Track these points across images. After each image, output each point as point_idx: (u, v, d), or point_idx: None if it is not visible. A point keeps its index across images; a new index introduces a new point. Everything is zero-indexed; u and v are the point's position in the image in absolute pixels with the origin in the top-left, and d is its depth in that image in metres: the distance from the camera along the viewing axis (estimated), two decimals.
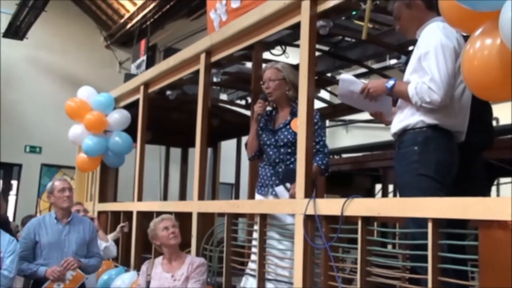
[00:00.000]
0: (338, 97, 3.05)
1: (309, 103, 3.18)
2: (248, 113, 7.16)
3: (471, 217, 2.26)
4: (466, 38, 2.25)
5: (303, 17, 3.27)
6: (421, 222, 2.55)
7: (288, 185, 3.47)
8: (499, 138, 4.33)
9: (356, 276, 2.77)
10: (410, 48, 4.90)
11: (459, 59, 2.70)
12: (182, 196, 8.15)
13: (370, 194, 7.32)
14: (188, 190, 8.75)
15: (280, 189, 3.57)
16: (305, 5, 3.25)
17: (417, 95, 2.69)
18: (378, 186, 7.77)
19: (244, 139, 7.91)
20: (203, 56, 4.38)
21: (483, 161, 3.20)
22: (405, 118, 2.82)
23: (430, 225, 2.40)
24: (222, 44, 4.22)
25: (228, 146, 8.25)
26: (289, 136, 3.63)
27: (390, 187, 6.98)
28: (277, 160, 3.67)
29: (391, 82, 2.83)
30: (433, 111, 2.71)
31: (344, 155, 8.83)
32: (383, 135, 11.81)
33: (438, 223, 2.40)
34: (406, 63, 3.50)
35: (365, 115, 11.15)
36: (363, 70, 5.99)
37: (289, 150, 3.63)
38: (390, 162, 6.60)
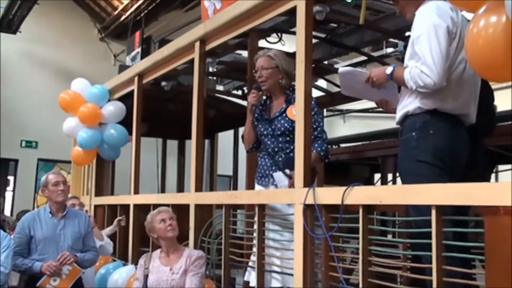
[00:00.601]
0: (341, 90, 2.98)
1: (307, 90, 3.10)
2: (245, 103, 7.09)
3: (476, 204, 2.19)
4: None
5: (299, 1, 3.17)
6: (423, 210, 2.49)
7: (287, 171, 3.39)
8: (498, 125, 4.27)
9: (358, 266, 2.70)
10: (408, 33, 4.84)
11: (455, 39, 2.63)
12: (180, 188, 8.08)
13: (369, 183, 7.26)
14: (185, 182, 8.68)
15: (278, 174, 3.49)
16: None
17: (411, 79, 2.62)
18: (377, 176, 7.72)
19: (242, 130, 7.86)
20: (197, 45, 4.28)
21: (484, 147, 3.13)
22: (405, 105, 2.77)
23: (433, 212, 2.33)
24: (216, 31, 4.12)
25: (225, 138, 8.17)
26: (286, 125, 3.55)
27: (389, 176, 6.92)
28: (276, 149, 3.60)
29: (390, 69, 2.77)
30: (430, 96, 2.64)
31: (342, 145, 8.77)
32: (380, 124, 11.80)
33: (442, 210, 2.33)
34: (405, 48, 3.43)
35: (362, 105, 11.19)
36: (361, 58, 5.91)
37: (287, 138, 3.55)
38: (389, 150, 6.58)
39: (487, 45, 1.92)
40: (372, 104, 11.37)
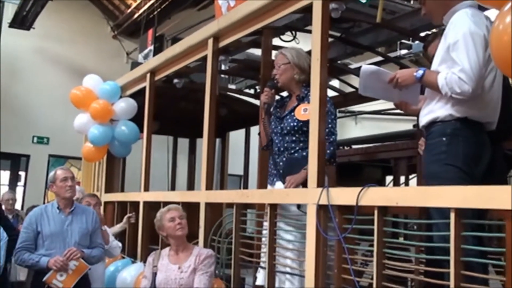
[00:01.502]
0: (360, 89, 2.90)
1: (322, 88, 3.04)
2: (257, 102, 7.03)
3: (497, 207, 2.11)
4: None
5: None
6: (447, 213, 2.42)
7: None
8: None
9: (370, 269, 2.63)
10: (424, 33, 4.76)
11: (488, 48, 2.58)
12: (190, 187, 8.03)
13: (381, 185, 7.15)
14: (196, 181, 8.64)
15: (279, 185, 3.46)
16: None
17: (447, 85, 2.58)
18: (389, 178, 7.64)
19: (253, 129, 7.83)
20: (210, 41, 4.22)
21: (503, 151, 3.06)
22: (433, 110, 2.73)
23: (452, 215, 2.26)
24: (230, 28, 4.06)
25: (236, 137, 8.12)
26: (292, 124, 3.49)
27: (402, 178, 6.84)
28: (281, 149, 3.54)
29: (420, 72, 2.72)
30: (462, 104, 2.61)
31: (354, 146, 8.69)
32: (392, 126, 11.71)
33: (461, 213, 2.25)
34: (425, 48, 3.36)
35: (374, 106, 11.07)
36: (375, 59, 5.83)
37: (294, 138, 3.48)
38: (402, 153, 6.52)
39: None
40: (384, 106, 11.34)
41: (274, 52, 4.22)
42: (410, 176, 6.74)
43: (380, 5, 3.55)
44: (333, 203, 2.83)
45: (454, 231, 2.25)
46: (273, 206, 3.36)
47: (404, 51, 9.72)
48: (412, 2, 5.74)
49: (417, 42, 5.73)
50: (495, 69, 2.66)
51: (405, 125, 10.88)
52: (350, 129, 14.37)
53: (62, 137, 11.01)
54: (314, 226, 2.93)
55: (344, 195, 2.80)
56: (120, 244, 5.04)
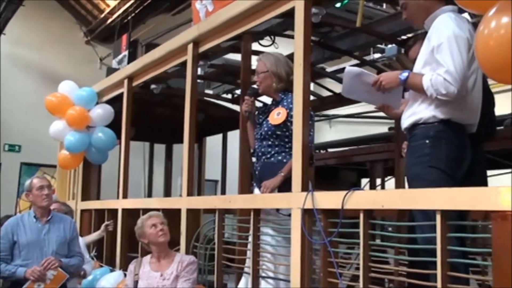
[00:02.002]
0: (343, 92, 2.91)
1: (305, 92, 3.05)
2: (234, 107, 7.01)
3: (483, 208, 2.14)
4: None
5: (297, 2, 3.12)
6: (431, 215, 2.44)
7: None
8: None
9: (356, 272, 2.64)
10: (401, 38, 4.82)
11: (470, 50, 2.63)
12: (167, 194, 7.97)
13: (356, 188, 7.19)
14: (173, 187, 8.58)
15: (257, 191, 3.49)
16: None
17: (432, 87, 2.61)
18: (364, 181, 7.70)
19: (230, 134, 7.81)
20: (190, 47, 4.20)
21: (483, 152, 3.11)
22: (416, 112, 2.75)
23: (438, 217, 2.28)
24: (210, 33, 4.05)
25: (211, 142, 8.08)
26: (266, 128, 3.52)
27: (378, 181, 6.91)
28: (259, 154, 3.57)
29: (404, 74, 2.74)
30: (445, 105, 2.64)
31: (330, 150, 8.75)
32: (366, 129, 11.80)
33: (447, 215, 2.28)
34: (405, 52, 3.40)
35: (348, 110, 11.10)
36: (351, 62, 5.87)
37: (269, 143, 3.51)
38: (377, 156, 6.58)
39: (498, 47, 1.88)
40: (358, 110, 11.43)
41: (253, 57, 4.23)
42: (386, 179, 6.82)
43: (360, 10, 3.60)
44: (318, 207, 2.83)
45: (440, 233, 2.27)
46: (257, 211, 3.35)
47: (377, 55, 9.83)
48: (384, 6, 5.82)
49: (389, 46, 5.78)
50: (476, 72, 2.71)
51: (380, 128, 10.99)
52: (324, 132, 14.43)
53: (34, 145, 10.80)
54: (299, 230, 2.93)
55: (329, 199, 2.81)
56: (92, 262, 4.94)
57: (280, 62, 3.59)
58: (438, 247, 2.27)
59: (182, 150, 10.23)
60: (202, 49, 4.21)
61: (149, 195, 8.06)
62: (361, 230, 2.62)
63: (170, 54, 4.56)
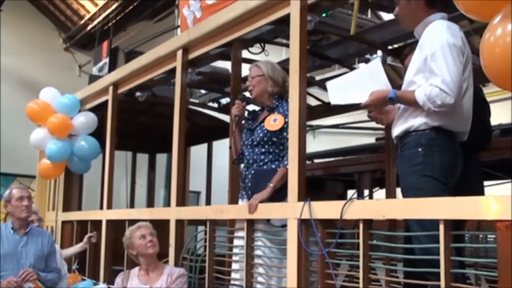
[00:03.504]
0: (331, 101, 2.94)
1: (301, 100, 3.05)
2: (221, 116, 6.99)
3: (487, 218, 2.14)
4: None
5: (293, 9, 3.12)
6: (428, 225, 2.45)
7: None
8: None
9: (357, 285, 2.63)
10: (394, 46, 4.86)
11: (463, 58, 2.65)
12: (150, 205, 7.90)
13: (342, 199, 7.21)
14: (156, 198, 8.50)
15: (245, 202, 3.45)
16: None
17: (428, 101, 2.60)
18: (350, 192, 7.71)
19: (216, 143, 7.78)
20: (179, 53, 4.19)
21: (478, 162, 3.13)
22: (407, 120, 2.75)
23: (442, 227, 2.28)
24: (200, 40, 4.05)
25: (194, 152, 8.03)
26: (261, 134, 3.47)
27: (365, 192, 6.92)
28: (250, 161, 3.52)
29: (391, 95, 2.74)
30: (436, 112, 2.64)
31: (315, 161, 8.75)
32: (350, 140, 11.87)
33: (450, 224, 2.29)
34: (401, 61, 3.43)
35: (332, 120, 11.14)
36: (341, 71, 5.91)
37: (263, 150, 3.46)
38: (365, 166, 6.60)
39: (504, 54, 1.90)
40: (343, 120, 11.46)
41: (244, 65, 4.22)
42: (374, 190, 6.85)
43: (354, 18, 3.61)
44: (315, 217, 2.82)
45: (444, 243, 2.27)
46: (250, 222, 3.33)
47: (362, 65, 9.91)
48: (369, 16, 5.88)
49: (374, 56, 5.82)
50: (467, 80, 2.72)
51: (364, 139, 11.06)
52: (308, 143, 14.42)
53: (10, 154, 10.61)
54: (296, 241, 2.91)
55: (327, 209, 2.80)
56: (67, 276, 4.83)
57: (276, 68, 3.59)
58: (442, 257, 2.27)
59: (165, 160, 10.15)
60: (191, 55, 4.19)
61: (131, 206, 7.96)
62: (361, 240, 2.61)
63: (158, 60, 4.53)
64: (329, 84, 2.98)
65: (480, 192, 3.13)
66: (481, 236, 3.98)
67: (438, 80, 2.57)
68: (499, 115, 6.41)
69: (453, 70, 2.57)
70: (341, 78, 3.01)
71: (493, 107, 3.47)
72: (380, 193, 6.67)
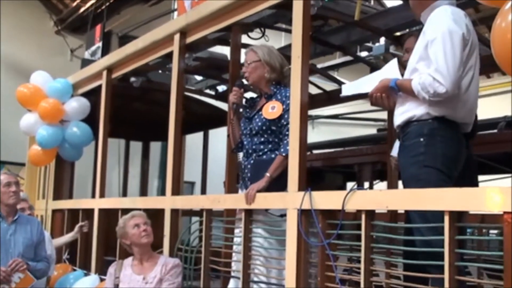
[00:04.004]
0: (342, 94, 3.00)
1: (303, 87, 3.04)
2: (218, 104, 6.99)
3: (493, 209, 2.15)
4: None
5: None
6: (430, 217, 2.46)
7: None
8: None
9: (358, 276, 2.64)
10: (398, 33, 4.86)
11: (468, 45, 2.64)
12: (143, 195, 7.90)
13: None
14: (149, 187, 8.50)
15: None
16: None
17: (422, 90, 2.61)
18: (350, 184, 7.73)
19: (211, 132, 7.78)
20: (177, 37, 4.17)
21: (473, 155, 3.13)
22: (409, 109, 2.75)
23: (446, 218, 2.29)
24: (199, 23, 4.03)
25: (189, 141, 8.02)
26: (260, 124, 3.44)
27: (366, 184, 6.94)
28: (250, 151, 3.50)
29: (392, 84, 2.76)
30: (439, 102, 2.64)
31: (314, 151, 8.76)
32: (350, 131, 11.87)
33: (455, 216, 2.29)
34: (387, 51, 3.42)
35: (331, 111, 11.14)
36: (344, 59, 5.90)
37: (262, 139, 3.43)
38: (366, 158, 6.61)
39: None
40: (342, 110, 11.46)
41: (243, 50, 4.20)
42: (374, 182, 6.86)
43: (359, 2, 3.60)
44: (316, 208, 2.83)
45: (449, 235, 2.28)
46: (248, 212, 3.33)
47: (364, 53, 9.91)
48: (372, 3, 5.87)
49: (377, 44, 5.81)
50: (473, 69, 2.71)
51: (363, 130, 11.06)
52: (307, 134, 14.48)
53: None
54: (295, 232, 2.92)
55: (329, 199, 2.81)
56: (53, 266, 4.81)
57: (273, 53, 3.53)
58: (446, 249, 2.27)
59: (159, 149, 10.15)
60: (189, 39, 4.17)
61: (124, 194, 7.97)
62: (362, 232, 2.62)
63: (155, 44, 4.51)
64: (344, 87, 3.02)
65: (474, 183, 3.14)
66: (484, 230, 4.00)
67: (432, 69, 2.57)
68: (504, 107, 6.45)
69: (450, 58, 2.56)
70: (356, 81, 3.02)
71: (497, 100, 3.49)
72: (380, 186, 6.68)
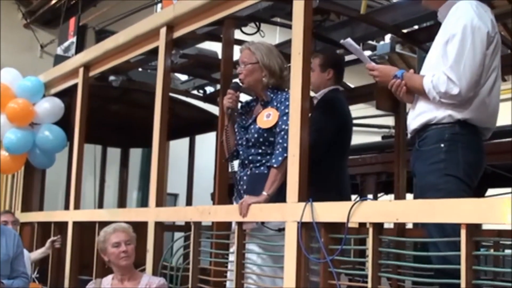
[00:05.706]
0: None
1: (304, 86, 3.05)
2: (206, 106, 7.00)
3: None
4: None
5: None
6: (448, 230, 2.48)
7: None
8: None
9: None
10: (406, 30, 4.90)
11: (493, 43, 2.66)
12: (122, 205, 7.89)
13: None
14: (128, 198, 8.48)
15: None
16: None
17: (434, 89, 2.64)
18: (352, 197, 7.72)
19: (199, 138, 7.77)
20: (163, 31, 4.19)
21: None
22: (427, 110, 2.76)
23: (463, 232, 2.30)
24: (187, 16, 4.05)
25: (171, 149, 7.99)
26: (256, 135, 3.40)
27: (369, 197, 6.94)
28: (246, 162, 3.48)
29: (398, 75, 2.79)
30: (463, 104, 2.65)
31: None
32: (352, 138, 11.87)
33: (473, 229, 2.31)
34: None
35: None
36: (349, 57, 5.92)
37: (259, 151, 3.41)
38: (370, 168, 6.63)
39: None
40: None
41: (236, 47, 4.21)
42: (379, 195, 6.88)
43: None
44: (318, 220, 2.84)
45: (465, 250, 2.29)
46: (241, 225, 3.34)
47: (368, 53, 9.96)
48: None
49: (382, 43, 5.84)
50: (496, 70, 2.74)
51: (367, 138, 11.09)
52: None
53: None
54: (295, 247, 2.92)
55: (332, 211, 2.82)
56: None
57: (272, 53, 3.47)
58: (463, 266, 2.29)
59: (139, 156, 10.11)
60: (177, 34, 4.19)
61: (100, 206, 7.96)
62: (370, 246, 2.63)
63: (138, 39, 4.53)
64: (349, 39, 3.04)
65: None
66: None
67: (447, 66, 2.60)
68: None
69: (469, 57, 2.58)
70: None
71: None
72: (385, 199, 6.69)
